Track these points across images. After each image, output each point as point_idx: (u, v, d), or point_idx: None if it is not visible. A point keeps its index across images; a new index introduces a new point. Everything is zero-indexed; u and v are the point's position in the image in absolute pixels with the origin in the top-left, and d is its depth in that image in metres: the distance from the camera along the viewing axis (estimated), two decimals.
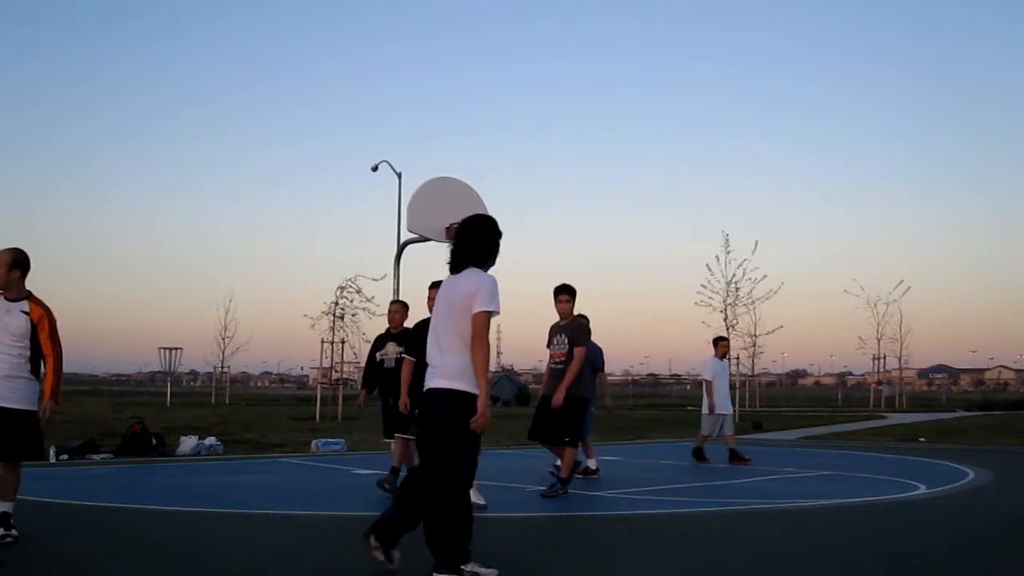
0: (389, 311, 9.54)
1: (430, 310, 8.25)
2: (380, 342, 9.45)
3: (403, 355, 8.65)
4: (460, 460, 4.98)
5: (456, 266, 5.18)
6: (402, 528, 5.15)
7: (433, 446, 4.99)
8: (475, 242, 5.18)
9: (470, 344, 4.92)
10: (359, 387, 9.66)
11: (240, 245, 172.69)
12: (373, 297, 26.89)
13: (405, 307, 9.51)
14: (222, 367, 45.16)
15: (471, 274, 5.09)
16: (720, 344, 13.94)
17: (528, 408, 33.05)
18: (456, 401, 4.91)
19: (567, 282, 9.61)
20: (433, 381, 5.04)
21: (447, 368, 4.97)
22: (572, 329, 9.45)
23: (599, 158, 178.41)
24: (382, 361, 9.29)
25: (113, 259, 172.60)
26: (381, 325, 30.49)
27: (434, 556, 5.00)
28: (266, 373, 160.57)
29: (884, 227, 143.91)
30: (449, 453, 4.95)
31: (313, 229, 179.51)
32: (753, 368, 33.35)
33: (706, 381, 13.62)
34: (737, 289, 28.54)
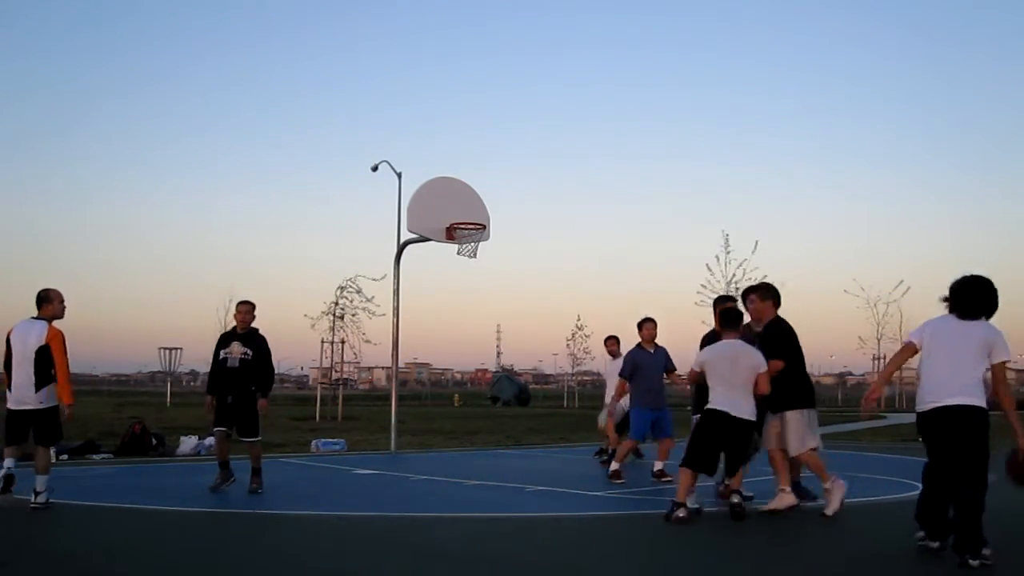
0: (240, 311, 9.52)
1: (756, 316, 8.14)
2: (225, 340, 9.44)
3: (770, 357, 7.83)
4: (984, 461, 6.01)
5: (969, 314, 6.15)
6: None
7: (973, 454, 6.00)
8: (988, 300, 6.17)
9: (981, 374, 6.06)
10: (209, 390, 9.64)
11: (240, 245, 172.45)
12: (373, 297, 26.84)
13: (253, 308, 9.55)
14: None
15: (987, 326, 6.13)
16: None
17: (528, 408, 33.05)
18: (980, 416, 5.99)
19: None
20: (955, 399, 5.98)
21: (966, 388, 5.99)
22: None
23: (599, 157, 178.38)
24: (225, 359, 9.33)
25: (112, 259, 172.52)
26: (381, 325, 30.02)
27: (965, 542, 5.85)
28: None
29: (884, 227, 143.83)
30: (981, 455, 5.99)
31: (313, 229, 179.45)
32: None
33: None
34: (737, 289, 28.53)
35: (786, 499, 7.84)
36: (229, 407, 9.35)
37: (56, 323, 8.11)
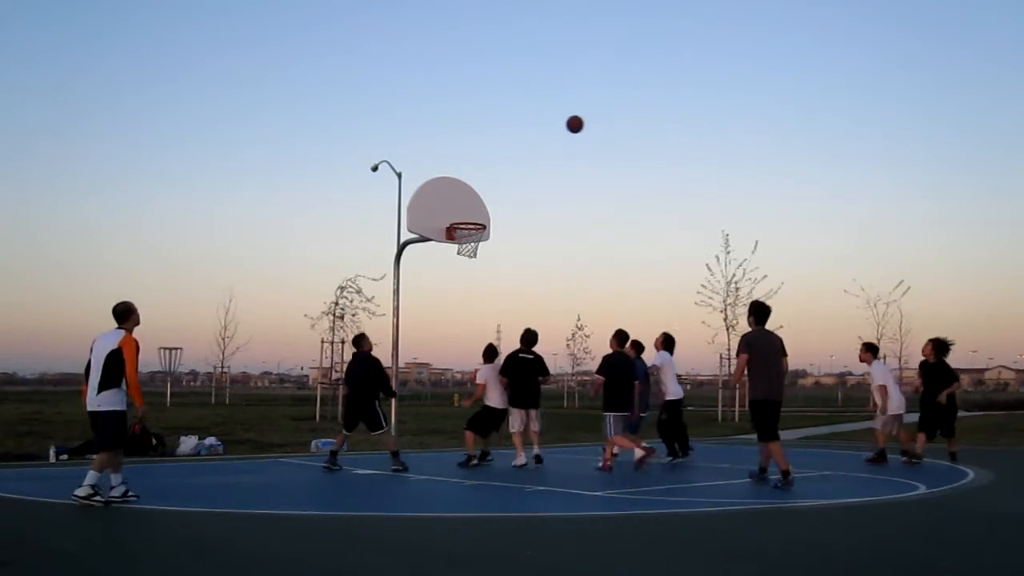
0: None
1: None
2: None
3: None
4: None
5: None
6: None
7: None
8: None
9: None
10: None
11: (240, 245, 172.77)
12: (373, 297, 26.80)
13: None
14: (222, 367, 45.16)
15: None
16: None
17: None
18: None
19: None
20: None
21: None
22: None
23: (599, 157, 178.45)
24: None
25: (113, 259, 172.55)
26: (381, 325, 29.73)
27: None
28: (266, 373, 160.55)
29: (884, 227, 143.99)
30: None
31: (313, 229, 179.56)
32: None
33: (880, 386, 13.87)
34: (737, 289, 28.52)
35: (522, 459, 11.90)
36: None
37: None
